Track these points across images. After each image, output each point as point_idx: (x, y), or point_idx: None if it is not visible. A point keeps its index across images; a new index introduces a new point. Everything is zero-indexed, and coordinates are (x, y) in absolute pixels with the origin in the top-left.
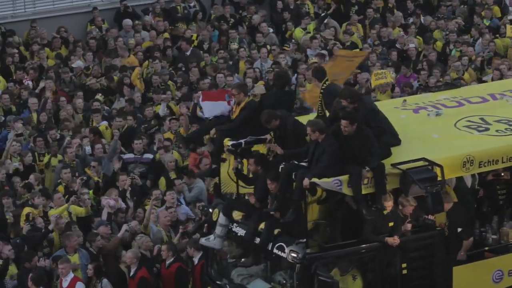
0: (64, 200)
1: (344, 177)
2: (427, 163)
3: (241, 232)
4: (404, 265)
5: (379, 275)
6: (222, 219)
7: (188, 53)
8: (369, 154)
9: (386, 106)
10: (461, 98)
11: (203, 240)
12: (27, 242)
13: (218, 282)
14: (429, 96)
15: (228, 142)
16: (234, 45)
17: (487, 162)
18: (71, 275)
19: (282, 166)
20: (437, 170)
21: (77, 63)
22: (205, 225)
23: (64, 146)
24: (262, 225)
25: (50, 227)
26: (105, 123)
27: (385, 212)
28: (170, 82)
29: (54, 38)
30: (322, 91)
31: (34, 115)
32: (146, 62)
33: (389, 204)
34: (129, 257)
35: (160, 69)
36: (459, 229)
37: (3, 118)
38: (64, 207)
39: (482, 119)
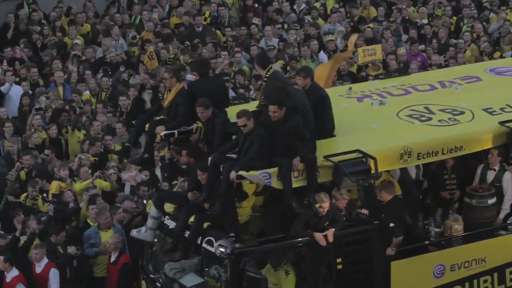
0: (90, 174)
1: (273, 170)
2: (361, 155)
3: (172, 225)
4: (339, 260)
5: (312, 271)
6: (153, 211)
7: (200, 29)
8: (300, 142)
9: (331, 94)
10: (409, 86)
11: (134, 232)
12: (56, 217)
13: (151, 276)
14: (376, 84)
15: (161, 131)
16: (256, 21)
17: (426, 154)
18: (45, 260)
19: (210, 157)
20: (371, 163)
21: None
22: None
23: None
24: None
25: (81, 205)
26: None
27: (320, 214)
28: (181, 57)
29: (79, 14)
30: (265, 79)
31: (60, 89)
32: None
33: (325, 205)
34: (112, 242)
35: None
36: (391, 225)
37: (30, 92)
38: (89, 182)
39: (426, 108)
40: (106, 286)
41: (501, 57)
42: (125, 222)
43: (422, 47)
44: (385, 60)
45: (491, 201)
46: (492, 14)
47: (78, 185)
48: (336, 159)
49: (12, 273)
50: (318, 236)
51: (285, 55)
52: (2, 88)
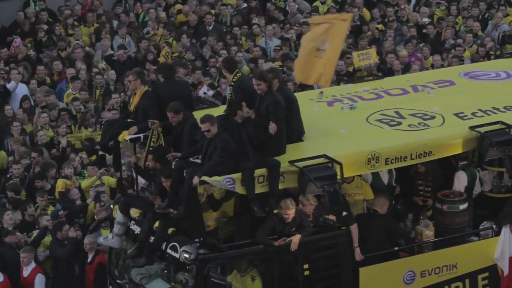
0: (97, 170)
1: (237, 175)
2: (327, 161)
3: (138, 230)
4: (306, 266)
5: (279, 276)
6: (119, 216)
7: (210, 28)
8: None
9: (301, 98)
10: (381, 90)
11: (101, 239)
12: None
13: (118, 281)
14: (348, 88)
15: (126, 135)
16: (256, 21)
17: (394, 159)
18: (33, 265)
19: (174, 163)
20: (337, 168)
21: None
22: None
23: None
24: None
25: (89, 201)
26: None
27: (286, 221)
28: (186, 56)
29: (88, 12)
30: (232, 83)
31: (71, 85)
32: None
33: (290, 212)
34: (88, 242)
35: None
36: (344, 213)
37: (38, 89)
38: (94, 179)
39: (397, 112)
40: (83, 286)
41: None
42: (92, 226)
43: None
44: (386, 61)
45: (462, 206)
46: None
47: (84, 182)
48: (301, 164)
49: None
50: (279, 244)
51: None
52: (9, 86)
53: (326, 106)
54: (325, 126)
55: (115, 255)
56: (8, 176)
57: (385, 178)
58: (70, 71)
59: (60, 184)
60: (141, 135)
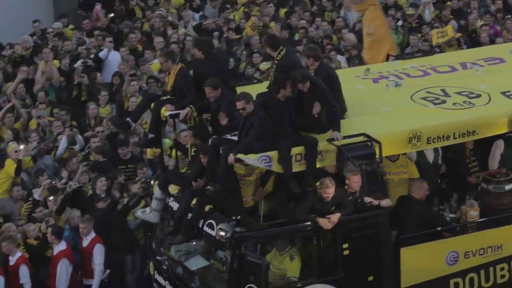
0: None
1: (274, 153)
2: (366, 139)
3: (176, 207)
4: (345, 246)
5: (318, 256)
6: (157, 192)
7: None
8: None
9: (347, 75)
10: (429, 67)
11: (139, 213)
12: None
13: (158, 257)
14: (396, 64)
15: (165, 111)
16: None
17: (436, 138)
18: (92, 235)
19: (211, 139)
20: (376, 147)
21: None
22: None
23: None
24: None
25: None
26: None
27: (326, 200)
28: (272, 24)
29: None
30: (276, 61)
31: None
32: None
33: (330, 191)
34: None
35: None
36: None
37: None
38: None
39: (443, 90)
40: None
41: None
42: (132, 202)
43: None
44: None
45: (509, 186)
46: None
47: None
48: (339, 142)
49: (59, 247)
50: (322, 221)
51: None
52: (101, 54)
53: (371, 83)
54: (368, 103)
55: (155, 231)
56: (86, 148)
57: (430, 157)
58: (158, 40)
59: (149, 152)
60: (180, 112)
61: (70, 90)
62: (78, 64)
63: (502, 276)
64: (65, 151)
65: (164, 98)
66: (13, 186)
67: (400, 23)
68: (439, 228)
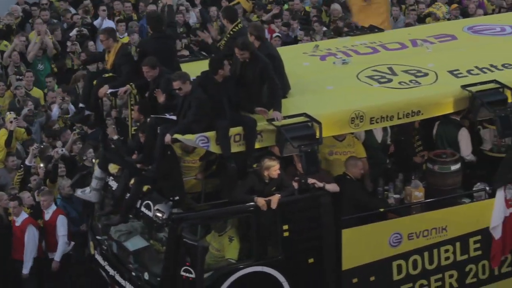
0: None
1: (211, 133)
2: (307, 119)
3: (115, 186)
4: (285, 227)
5: (257, 237)
6: (97, 171)
7: None
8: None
9: (294, 52)
10: (379, 44)
11: (79, 192)
12: None
13: (98, 237)
14: (345, 41)
15: (104, 91)
16: None
17: (380, 118)
18: (53, 207)
19: (149, 119)
20: (316, 128)
21: None
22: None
23: None
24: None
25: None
26: None
27: (266, 180)
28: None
29: None
30: (228, 35)
31: None
32: None
33: (275, 169)
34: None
35: None
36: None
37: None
38: None
39: (390, 68)
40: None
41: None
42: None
43: None
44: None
45: (454, 167)
46: None
47: None
48: (279, 123)
49: (22, 216)
50: (260, 201)
51: None
52: (95, 22)
53: (318, 61)
54: (312, 82)
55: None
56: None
57: (378, 136)
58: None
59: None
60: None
61: (63, 60)
62: (74, 32)
63: (447, 258)
64: (58, 120)
65: (106, 75)
66: (8, 156)
67: None
68: (381, 210)
